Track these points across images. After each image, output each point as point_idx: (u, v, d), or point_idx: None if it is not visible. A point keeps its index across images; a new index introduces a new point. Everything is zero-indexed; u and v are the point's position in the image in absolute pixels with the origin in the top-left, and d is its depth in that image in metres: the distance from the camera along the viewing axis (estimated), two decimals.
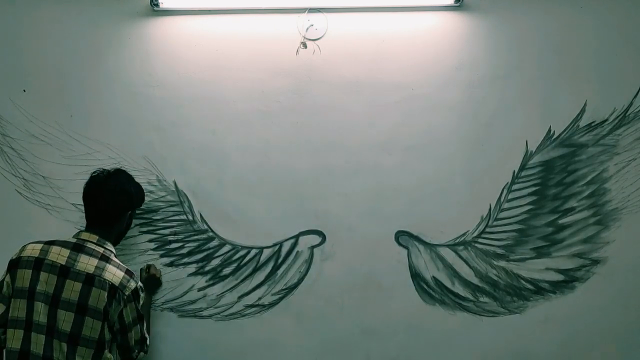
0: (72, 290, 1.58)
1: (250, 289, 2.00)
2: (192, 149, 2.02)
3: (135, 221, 1.99)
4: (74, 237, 1.69)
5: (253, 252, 2.01)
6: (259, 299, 2.00)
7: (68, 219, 1.98)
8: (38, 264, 1.60)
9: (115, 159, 2.00)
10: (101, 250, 1.67)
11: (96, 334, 1.59)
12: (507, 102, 2.04)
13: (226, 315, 2.00)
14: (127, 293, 1.63)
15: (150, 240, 2.00)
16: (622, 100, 2.05)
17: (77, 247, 1.64)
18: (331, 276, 2.00)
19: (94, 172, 1.77)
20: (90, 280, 1.60)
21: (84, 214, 1.90)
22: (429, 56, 2.05)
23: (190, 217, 2.01)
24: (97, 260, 1.63)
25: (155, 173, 2.01)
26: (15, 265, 1.61)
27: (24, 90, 2.02)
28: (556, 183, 2.04)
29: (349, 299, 2.00)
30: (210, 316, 1.99)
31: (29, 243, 1.66)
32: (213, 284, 2.00)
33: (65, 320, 1.57)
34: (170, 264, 2.00)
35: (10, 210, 1.99)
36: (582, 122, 2.04)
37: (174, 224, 2.00)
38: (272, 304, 2.00)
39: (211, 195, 2.01)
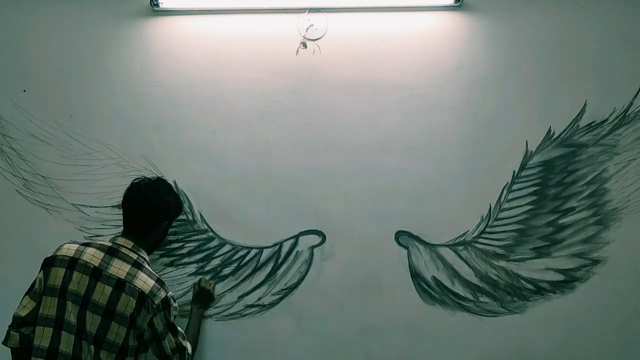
0: (102, 293, 1.58)
1: (250, 289, 2.00)
2: (192, 149, 2.02)
3: None
4: (110, 240, 1.69)
5: (253, 252, 2.01)
6: (259, 299, 2.00)
7: (68, 219, 1.98)
8: (72, 263, 1.60)
9: (115, 159, 2.00)
10: (135, 256, 1.66)
11: (120, 340, 1.58)
12: (507, 102, 2.04)
13: (226, 315, 2.00)
14: (156, 302, 1.62)
15: None
16: (622, 100, 2.05)
17: (112, 251, 1.64)
18: (331, 276, 2.00)
19: (135, 179, 1.77)
20: (121, 285, 1.59)
21: (83, 214, 1.91)
22: (429, 56, 2.05)
23: (190, 217, 2.01)
24: (129, 266, 1.63)
25: (155, 173, 2.01)
26: (50, 263, 1.62)
27: (24, 90, 2.02)
28: (556, 183, 2.04)
29: (349, 299, 2.00)
30: (210, 316, 1.99)
31: (66, 243, 1.67)
32: None
33: (93, 322, 1.57)
34: (170, 264, 2.00)
35: (10, 210, 1.99)
36: (582, 122, 2.04)
37: (174, 224, 2.00)
38: (272, 304, 2.00)
39: (211, 195, 2.01)
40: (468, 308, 2.01)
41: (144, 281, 1.62)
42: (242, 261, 2.01)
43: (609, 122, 2.04)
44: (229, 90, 2.03)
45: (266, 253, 2.01)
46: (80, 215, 1.98)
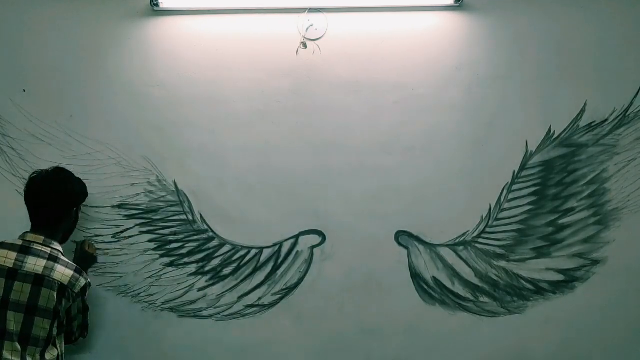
0: (22, 292, 1.60)
1: (250, 289, 2.00)
2: (192, 149, 2.02)
3: (135, 221, 1.99)
4: (19, 238, 1.69)
5: (253, 252, 2.01)
6: (259, 299, 2.00)
7: None
8: None
9: (115, 159, 2.00)
10: (48, 250, 1.67)
11: (46, 333, 1.61)
12: (507, 102, 2.04)
13: (226, 315, 2.00)
14: (76, 291, 1.67)
15: (150, 240, 2.00)
16: (622, 100, 2.05)
17: (24, 249, 1.65)
18: (331, 276, 2.00)
19: (32, 174, 1.76)
20: (40, 280, 1.61)
21: (83, 214, 1.91)
22: (429, 56, 2.05)
23: (190, 217, 2.01)
24: (45, 261, 1.64)
25: (155, 173, 2.01)
26: None
27: (24, 90, 2.02)
28: (556, 183, 2.03)
29: (349, 299, 2.00)
30: (210, 316, 2.00)
31: None
32: (213, 284, 2.00)
33: (16, 321, 1.59)
34: (170, 264, 2.00)
35: (10, 210, 1.98)
36: (582, 122, 2.04)
37: (174, 224, 2.00)
38: (272, 304, 2.00)
39: (211, 195, 2.01)
40: (468, 308, 2.01)
41: (62, 273, 1.65)
42: (242, 261, 2.01)
43: (609, 122, 2.04)
44: (229, 90, 2.03)
45: (266, 253, 2.01)
46: (80, 215, 1.98)
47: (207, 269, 2.00)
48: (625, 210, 2.03)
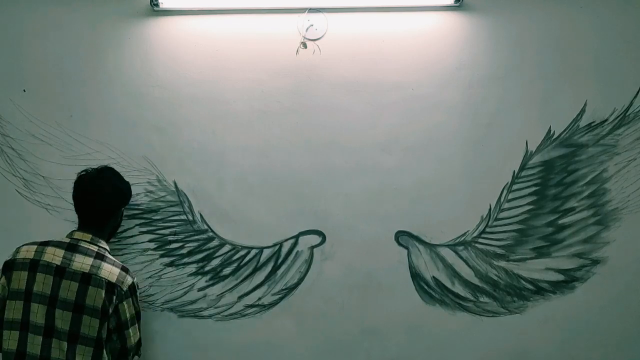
0: (69, 290, 1.59)
1: (250, 289, 2.00)
2: (192, 149, 2.02)
3: (135, 221, 1.99)
4: (67, 236, 1.70)
5: (253, 252, 2.01)
6: (259, 299, 2.00)
7: (68, 219, 1.98)
8: (33, 265, 1.60)
9: (115, 159, 2.00)
10: (95, 248, 1.68)
11: (94, 332, 1.60)
12: (507, 102, 2.04)
13: (226, 315, 2.00)
14: (124, 289, 1.65)
15: (150, 240, 2.00)
16: (622, 100, 2.05)
17: (72, 247, 1.65)
18: (331, 276, 2.00)
19: (81, 172, 1.77)
20: (87, 279, 1.61)
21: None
22: (429, 56, 2.05)
23: (190, 217, 2.01)
24: (92, 259, 1.64)
25: (155, 173, 2.01)
26: (10, 267, 1.62)
27: (24, 90, 2.02)
28: (556, 183, 2.04)
29: (349, 299, 2.01)
30: (210, 316, 2.00)
31: (24, 245, 1.67)
32: (213, 284, 2.00)
33: (64, 319, 1.58)
34: (170, 264, 2.00)
35: (10, 210, 1.99)
36: (582, 122, 2.04)
37: (174, 224, 2.00)
38: (272, 304, 2.00)
39: (211, 195, 2.01)
40: (468, 308, 2.01)
41: (109, 271, 1.64)
42: (242, 261, 2.01)
43: (609, 122, 2.04)
44: (229, 90, 2.03)
45: (266, 253, 2.01)
46: None
47: (207, 269, 2.00)
48: (625, 210, 2.03)
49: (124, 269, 1.69)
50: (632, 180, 2.04)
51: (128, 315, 1.67)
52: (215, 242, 2.01)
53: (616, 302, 2.02)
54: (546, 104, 2.04)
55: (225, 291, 2.00)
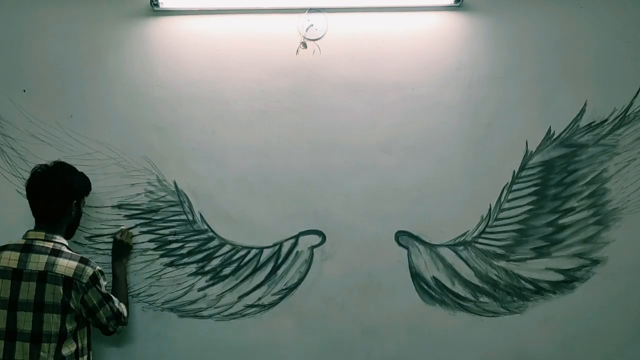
0: (28, 290, 1.60)
1: (250, 289, 2.00)
2: (192, 149, 2.02)
3: (135, 221, 1.99)
4: (23, 237, 1.70)
5: (253, 252, 2.01)
6: (259, 299, 2.00)
7: None
8: None
9: (115, 159, 2.00)
10: (50, 245, 1.67)
11: (57, 328, 1.61)
12: (507, 102, 2.04)
13: (226, 315, 2.00)
14: (84, 281, 1.64)
15: (150, 240, 2.00)
16: (622, 100, 2.05)
17: (27, 248, 1.65)
18: (331, 276, 2.00)
19: (33, 168, 1.77)
20: (43, 277, 1.61)
21: (84, 214, 1.90)
22: (429, 56, 2.05)
23: (190, 217, 2.01)
24: (47, 257, 1.64)
25: (155, 173, 2.01)
26: None
27: (24, 90, 2.02)
28: (556, 183, 2.03)
29: (349, 299, 2.00)
30: (210, 316, 2.00)
31: None
32: (213, 284, 2.00)
33: (26, 320, 1.59)
34: (170, 264, 2.00)
35: (10, 210, 1.99)
36: (582, 122, 2.04)
37: (174, 224, 2.00)
38: (272, 304, 2.00)
39: (211, 195, 2.01)
40: (468, 308, 2.01)
41: (66, 265, 1.63)
42: (242, 261, 2.01)
43: (609, 122, 2.04)
44: (229, 90, 2.03)
45: (266, 253, 2.01)
46: (82, 213, 1.98)
47: (207, 269, 2.00)
48: (625, 210, 2.03)
49: (83, 261, 1.67)
50: (632, 180, 2.04)
51: (95, 301, 1.67)
52: (215, 242, 2.01)
53: (616, 302, 2.02)
54: (546, 104, 2.04)
55: (225, 291, 2.00)
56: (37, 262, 1.63)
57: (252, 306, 2.00)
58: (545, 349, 2.01)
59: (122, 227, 1.97)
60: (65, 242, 1.73)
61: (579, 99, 2.04)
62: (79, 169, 1.89)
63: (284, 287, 2.01)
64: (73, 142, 2.01)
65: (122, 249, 1.94)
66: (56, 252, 1.66)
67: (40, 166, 1.76)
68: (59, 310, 1.61)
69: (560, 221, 2.03)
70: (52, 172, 1.75)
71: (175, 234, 2.00)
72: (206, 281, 2.00)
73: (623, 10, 2.07)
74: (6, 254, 1.64)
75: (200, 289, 2.00)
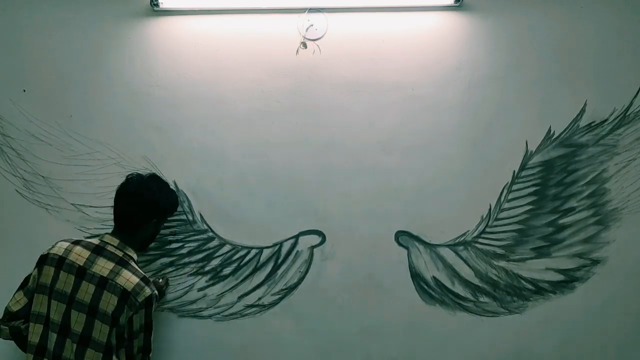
0: (86, 292, 1.59)
1: (250, 289, 2.00)
2: (192, 149, 2.02)
3: None
4: (98, 238, 1.70)
5: (253, 252, 2.01)
6: (259, 299, 2.00)
7: (68, 219, 1.98)
8: (60, 262, 1.62)
9: (115, 159, 2.00)
10: (120, 254, 1.66)
11: (104, 338, 1.58)
12: (507, 102, 2.04)
13: (226, 315, 2.00)
14: (140, 300, 1.61)
15: None
16: (622, 100, 2.05)
17: (98, 250, 1.65)
18: (331, 276, 2.00)
19: (129, 175, 1.77)
20: (103, 283, 1.60)
21: (83, 214, 1.91)
22: (429, 56, 2.05)
23: (190, 217, 2.01)
24: (113, 264, 1.63)
25: (155, 173, 2.00)
26: (43, 260, 1.64)
27: (24, 90, 2.02)
28: (556, 183, 2.04)
29: (349, 299, 2.01)
30: (210, 316, 2.00)
31: (61, 240, 1.68)
32: (213, 284, 2.00)
33: (78, 321, 1.58)
34: (170, 264, 2.00)
35: (10, 210, 1.99)
36: (582, 122, 2.04)
37: (174, 224, 2.00)
38: (272, 304, 2.00)
39: (211, 195, 2.01)
40: (468, 308, 2.01)
41: (127, 279, 1.62)
42: (242, 261, 2.01)
43: (609, 122, 2.04)
44: (229, 90, 2.03)
45: (266, 253, 2.01)
46: (80, 215, 1.98)
47: (207, 269, 2.00)
48: (625, 210, 2.03)
49: (145, 280, 1.65)
50: (632, 180, 2.04)
51: (140, 325, 1.64)
52: (215, 242, 2.01)
53: (616, 302, 2.02)
54: (546, 104, 2.04)
55: (225, 291, 2.00)
56: (103, 266, 1.62)
57: (252, 306, 2.00)
58: (545, 349, 2.01)
59: (167, 276, 1.98)
60: (134, 255, 1.71)
61: (579, 99, 2.04)
62: (79, 169, 1.89)
63: (283, 287, 2.01)
64: (73, 142, 2.01)
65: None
66: (123, 263, 1.65)
67: (136, 175, 1.76)
68: (109, 321, 1.58)
69: (560, 221, 2.03)
70: (145, 184, 1.74)
71: (175, 234, 2.00)
72: (206, 281, 2.00)
73: (623, 10, 2.07)
74: (78, 249, 1.64)
75: (200, 289, 2.00)
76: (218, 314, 2.00)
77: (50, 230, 1.95)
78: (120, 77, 2.03)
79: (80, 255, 1.62)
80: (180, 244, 2.01)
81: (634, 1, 2.07)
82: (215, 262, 2.00)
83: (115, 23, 2.03)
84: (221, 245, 2.01)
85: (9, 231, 1.98)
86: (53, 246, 1.66)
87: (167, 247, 2.00)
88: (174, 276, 2.00)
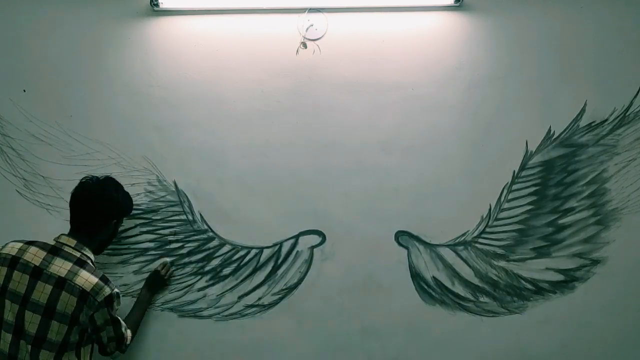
0: (42, 292, 1.57)
1: (250, 289, 2.01)
2: (192, 149, 2.02)
3: (135, 221, 1.99)
4: (54, 239, 1.68)
5: (253, 252, 2.01)
6: (259, 299, 2.00)
7: (68, 219, 1.98)
8: (14, 262, 1.60)
9: (115, 159, 2.00)
10: (78, 254, 1.65)
11: (61, 337, 1.57)
12: (507, 102, 2.04)
13: (226, 315, 2.00)
14: (99, 299, 1.59)
15: (150, 240, 2.00)
16: (622, 100, 2.05)
17: (54, 250, 1.64)
18: (331, 276, 2.00)
19: (83, 178, 1.75)
20: (61, 284, 1.58)
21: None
22: (429, 56, 2.05)
23: (190, 217, 2.01)
24: (71, 265, 1.61)
25: (155, 173, 2.01)
26: None
27: (24, 90, 2.02)
28: (556, 183, 2.04)
29: (349, 299, 2.01)
30: (210, 316, 2.00)
31: (12, 241, 1.66)
32: (213, 284, 2.00)
33: (32, 322, 1.56)
34: (170, 264, 2.00)
35: (10, 210, 1.99)
36: (582, 122, 2.04)
37: (174, 224, 2.00)
38: (272, 304, 2.00)
39: (211, 195, 2.01)
40: (468, 308, 2.01)
41: (86, 279, 1.60)
42: (242, 261, 2.01)
43: (609, 122, 2.04)
44: (229, 90, 2.03)
45: (266, 253, 2.01)
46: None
47: (207, 269, 2.00)
48: (625, 210, 2.03)
49: (104, 279, 1.63)
50: (632, 180, 2.04)
51: (102, 321, 1.63)
52: (215, 242, 2.01)
53: (616, 302, 2.02)
54: (546, 104, 2.04)
55: (225, 291, 2.00)
56: (60, 267, 1.60)
57: (252, 306, 2.00)
58: (545, 349, 2.01)
59: (166, 260, 1.98)
60: (92, 256, 1.70)
61: (579, 99, 2.04)
62: (79, 169, 1.89)
63: (284, 287, 2.01)
64: (73, 142, 2.01)
65: (157, 280, 1.95)
66: (81, 263, 1.63)
67: (90, 178, 1.75)
68: (67, 321, 1.57)
69: (560, 221, 2.03)
70: (101, 186, 1.73)
71: (175, 234, 2.00)
72: (206, 281, 2.00)
73: (623, 10, 2.07)
74: (33, 249, 1.62)
75: (200, 289, 2.00)
76: (218, 314, 2.00)
77: (51, 231, 1.93)
78: (120, 77, 2.03)
79: (35, 255, 1.61)
80: (180, 244, 2.01)
81: (634, 1, 2.07)
82: (215, 262, 2.00)
83: (115, 23, 2.03)
84: (221, 245, 2.01)
85: (9, 231, 1.97)
86: (4, 246, 1.64)
87: (167, 247, 2.00)
88: (174, 276, 2.00)
